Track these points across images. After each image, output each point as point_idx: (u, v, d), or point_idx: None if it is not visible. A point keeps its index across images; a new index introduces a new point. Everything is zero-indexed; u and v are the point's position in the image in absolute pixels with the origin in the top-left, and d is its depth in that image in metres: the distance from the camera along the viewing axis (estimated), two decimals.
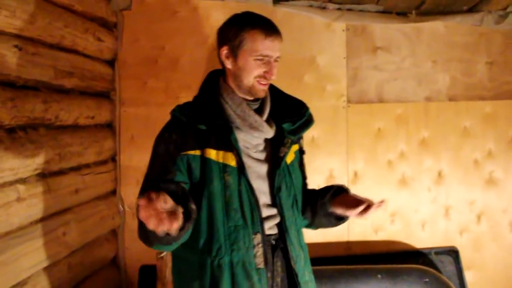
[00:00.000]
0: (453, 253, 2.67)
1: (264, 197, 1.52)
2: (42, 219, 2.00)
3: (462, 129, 2.73)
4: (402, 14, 2.70)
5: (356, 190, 2.68)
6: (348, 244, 2.73)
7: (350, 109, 2.73)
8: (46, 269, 2.03)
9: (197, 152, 1.46)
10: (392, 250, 2.71)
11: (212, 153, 1.46)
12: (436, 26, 2.72)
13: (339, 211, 1.53)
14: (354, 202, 1.46)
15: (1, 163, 1.68)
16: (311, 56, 2.71)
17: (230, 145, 1.47)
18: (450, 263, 2.65)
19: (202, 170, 1.45)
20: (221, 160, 1.46)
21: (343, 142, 2.71)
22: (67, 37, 2.17)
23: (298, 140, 1.67)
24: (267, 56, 1.47)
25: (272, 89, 1.65)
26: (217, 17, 2.72)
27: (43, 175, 2.02)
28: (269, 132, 1.55)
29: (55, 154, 2.10)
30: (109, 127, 2.78)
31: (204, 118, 1.47)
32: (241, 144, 1.51)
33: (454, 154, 2.73)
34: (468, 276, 2.65)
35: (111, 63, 2.77)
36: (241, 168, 1.47)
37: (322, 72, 2.72)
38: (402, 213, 2.75)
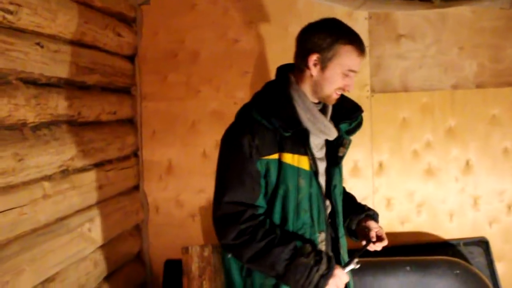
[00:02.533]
0: (483, 244, 2.61)
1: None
2: (67, 216, 2.01)
3: (491, 117, 2.65)
4: (426, 0, 2.62)
5: (381, 181, 2.68)
6: None
7: (374, 99, 2.68)
8: (73, 265, 2.04)
9: (276, 156, 1.52)
10: (420, 242, 2.67)
11: (288, 158, 1.51)
12: (462, 12, 2.64)
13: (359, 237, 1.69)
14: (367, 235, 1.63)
15: (26, 160, 1.69)
16: None
17: (305, 150, 1.53)
18: (480, 254, 2.59)
19: (279, 173, 1.51)
20: (296, 164, 1.52)
21: (367, 132, 2.66)
22: (87, 33, 2.17)
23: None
24: (354, 71, 1.53)
25: None
26: (236, 10, 2.69)
27: (68, 172, 2.03)
28: (334, 134, 1.61)
29: (78, 150, 2.10)
30: (131, 123, 2.78)
31: (286, 124, 1.50)
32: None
33: (482, 143, 2.66)
34: (499, 267, 2.59)
35: (131, 58, 2.77)
36: (315, 172, 1.56)
37: None
38: (429, 204, 2.69)
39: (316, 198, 1.56)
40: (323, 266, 1.45)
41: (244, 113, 1.60)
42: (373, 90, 2.68)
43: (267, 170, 1.51)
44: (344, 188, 1.83)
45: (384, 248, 2.35)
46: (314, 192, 1.55)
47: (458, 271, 2.29)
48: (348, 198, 1.83)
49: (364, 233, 1.66)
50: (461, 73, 2.66)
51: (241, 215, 1.47)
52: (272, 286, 1.54)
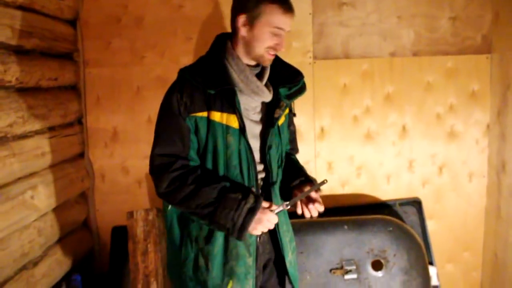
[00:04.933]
0: (416, 203, 2.78)
1: (256, 155, 1.67)
2: (8, 183, 1.99)
3: (425, 83, 2.78)
4: None
5: (322, 146, 2.78)
6: None
7: (316, 65, 2.74)
8: (15, 233, 2.03)
9: (204, 114, 1.59)
10: (359, 203, 2.80)
11: (216, 116, 1.59)
12: None
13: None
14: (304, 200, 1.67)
15: None
16: None
17: (234, 108, 1.58)
18: (413, 213, 2.75)
19: (208, 130, 1.59)
20: (224, 122, 1.59)
21: (309, 98, 2.74)
22: None
23: (289, 104, 1.80)
24: (281, 29, 1.59)
25: None
26: None
27: (6, 139, 1.99)
28: (268, 97, 1.69)
29: (18, 117, 2.06)
30: (74, 89, 2.73)
31: (212, 83, 1.58)
32: (242, 106, 1.63)
33: (418, 108, 2.79)
34: (430, 224, 2.77)
35: (72, 23, 2.69)
36: (242, 130, 1.60)
37: None
38: (368, 167, 2.82)
39: (245, 155, 1.62)
40: (250, 200, 1.54)
41: (179, 74, 1.68)
42: (315, 57, 2.74)
43: (196, 127, 1.60)
44: (289, 155, 1.89)
45: (325, 209, 2.49)
46: (242, 149, 1.62)
47: (391, 228, 2.44)
48: (290, 165, 1.86)
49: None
50: (399, 41, 2.76)
51: (171, 165, 1.57)
52: (205, 238, 1.63)
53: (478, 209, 2.83)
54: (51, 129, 2.40)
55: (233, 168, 1.62)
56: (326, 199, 2.81)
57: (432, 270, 2.54)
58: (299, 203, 1.64)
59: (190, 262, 1.66)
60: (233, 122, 1.60)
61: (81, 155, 2.76)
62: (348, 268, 2.37)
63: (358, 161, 2.82)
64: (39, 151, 2.25)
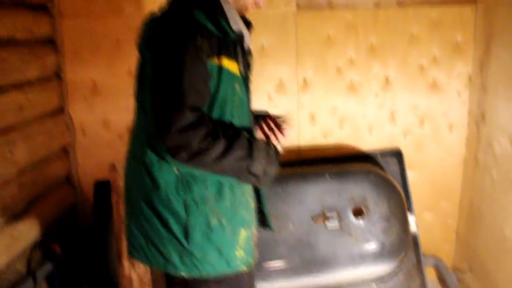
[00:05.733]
0: (397, 154, 2.81)
1: None
2: None
3: (409, 35, 2.76)
4: None
5: (306, 97, 2.77)
6: (299, 149, 2.83)
7: (300, 16, 2.68)
8: None
9: (216, 61, 1.49)
10: (341, 154, 2.83)
11: (226, 62, 1.51)
12: None
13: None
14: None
15: None
16: None
17: (236, 55, 1.55)
18: (394, 163, 2.79)
19: (219, 77, 1.49)
20: (231, 69, 1.53)
21: (293, 49, 2.70)
22: None
23: None
24: None
25: None
26: None
27: None
28: (250, 44, 1.67)
29: None
30: (51, 42, 2.64)
31: (230, 26, 1.52)
32: None
33: (401, 60, 2.78)
34: (410, 175, 2.82)
35: None
36: (244, 78, 1.59)
37: None
38: (351, 118, 2.83)
39: (246, 103, 1.60)
40: (271, 146, 1.56)
41: (189, 16, 1.49)
42: (299, 7, 2.68)
43: (210, 75, 1.47)
44: None
45: (308, 160, 2.49)
46: (244, 97, 1.58)
47: (372, 177, 2.49)
48: None
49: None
50: None
51: (203, 119, 1.41)
52: (214, 195, 1.53)
53: (457, 159, 2.89)
54: (28, 83, 2.34)
55: (237, 118, 1.55)
56: (308, 150, 2.87)
57: (410, 218, 2.62)
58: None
59: (199, 228, 1.52)
60: (236, 69, 1.54)
61: (61, 109, 2.71)
62: (330, 215, 2.42)
63: (341, 112, 2.83)
64: (16, 105, 2.21)
